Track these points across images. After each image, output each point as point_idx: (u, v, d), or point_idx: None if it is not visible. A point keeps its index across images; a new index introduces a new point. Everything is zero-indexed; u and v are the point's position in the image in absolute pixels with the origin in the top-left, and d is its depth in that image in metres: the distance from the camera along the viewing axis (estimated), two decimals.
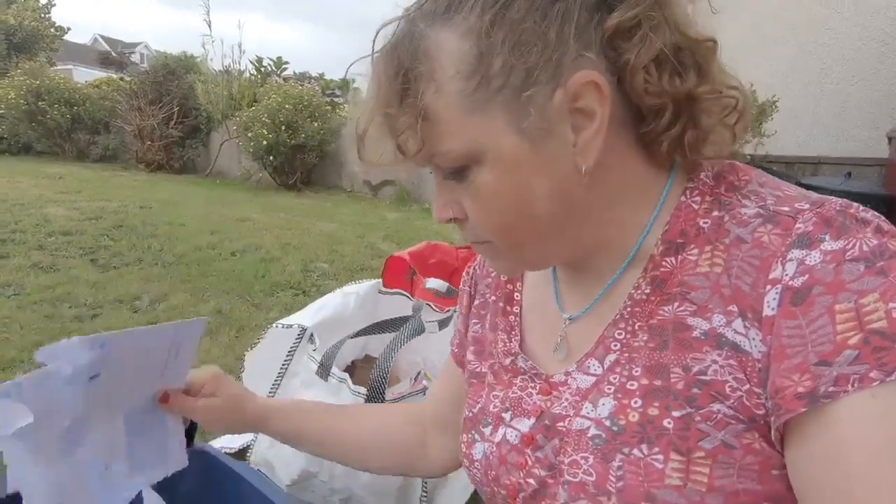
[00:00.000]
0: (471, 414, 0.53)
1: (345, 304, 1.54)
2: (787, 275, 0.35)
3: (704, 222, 0.40)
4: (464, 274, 0.62)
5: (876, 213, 0.36)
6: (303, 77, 8.97)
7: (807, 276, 0.34)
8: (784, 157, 4.13)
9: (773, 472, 0.36)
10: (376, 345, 1.52)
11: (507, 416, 0.48)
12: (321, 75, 8.40)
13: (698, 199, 0.41)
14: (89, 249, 3.43)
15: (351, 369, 1.55)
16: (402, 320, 1.36)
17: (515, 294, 0.54)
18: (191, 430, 0.71)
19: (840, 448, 0.32)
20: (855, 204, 0.36)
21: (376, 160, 0.41)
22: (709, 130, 0.39)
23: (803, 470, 0.34)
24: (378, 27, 0.40)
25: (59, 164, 7.80)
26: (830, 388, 0.32)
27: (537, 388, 0.47)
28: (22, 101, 8.25)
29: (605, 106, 0.37)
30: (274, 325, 1.35)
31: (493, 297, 0.56)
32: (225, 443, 1.52)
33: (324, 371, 1.22)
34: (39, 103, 8.26)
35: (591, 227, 0.42)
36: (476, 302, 0.59)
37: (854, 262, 0.33)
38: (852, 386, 0.31)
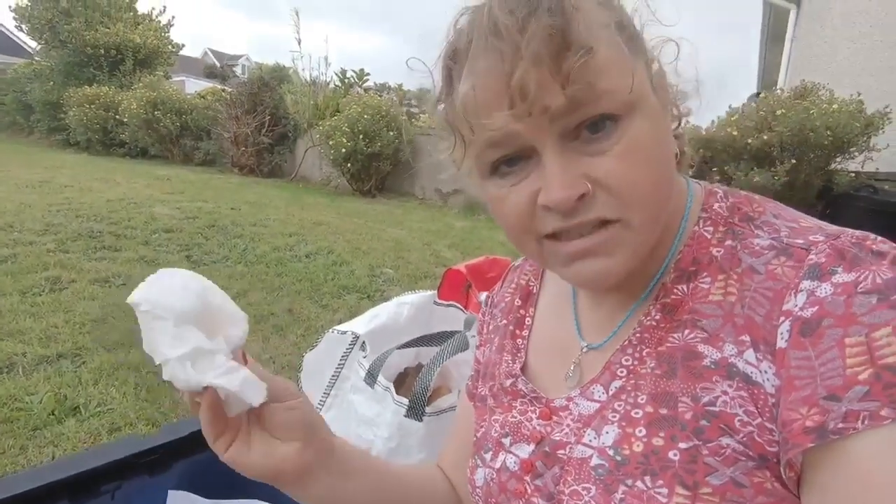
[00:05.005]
0: (475, 439, 0.53)
1: (398, 313, 1.60)
2: (797, 306, 0.34)
3: (717, 251, 0.40)
4: (482, 304, 0.61)
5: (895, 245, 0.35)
6: (382, 88, 9.35)
7: (817, 307, 0.33)
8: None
9: None
10: (430, 353, 1.56)
11: (506, 441, 0.48)
12: (399, 86, 8.72)
13: (711, 228, 0.42)
14: (185, 246, 3.82)
15: (402, 376, 1.61)
16: (450, 334, 1.39)
17: (527, 319, 0.54)
18: None
19: (855, 485, 0.31)
20: (873, 236, 0.35)
21: (530, 107, 0.35)
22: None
23: None
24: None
25: (168, 166, 8.74)
26: (840, 425, 0.31)
27: (537, 412, 0.47)
28: (141, 111, 9.36)
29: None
30: (331, 330, 1.44)
31: (504, 321, 0.56)
32: None
33: (370, 379, 1.29)
34: (155, 112, 9.33)
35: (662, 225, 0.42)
36: (489, 328, 0.59)
37: (866, 295, 0.32)
38: (862, 423, 0.30)
